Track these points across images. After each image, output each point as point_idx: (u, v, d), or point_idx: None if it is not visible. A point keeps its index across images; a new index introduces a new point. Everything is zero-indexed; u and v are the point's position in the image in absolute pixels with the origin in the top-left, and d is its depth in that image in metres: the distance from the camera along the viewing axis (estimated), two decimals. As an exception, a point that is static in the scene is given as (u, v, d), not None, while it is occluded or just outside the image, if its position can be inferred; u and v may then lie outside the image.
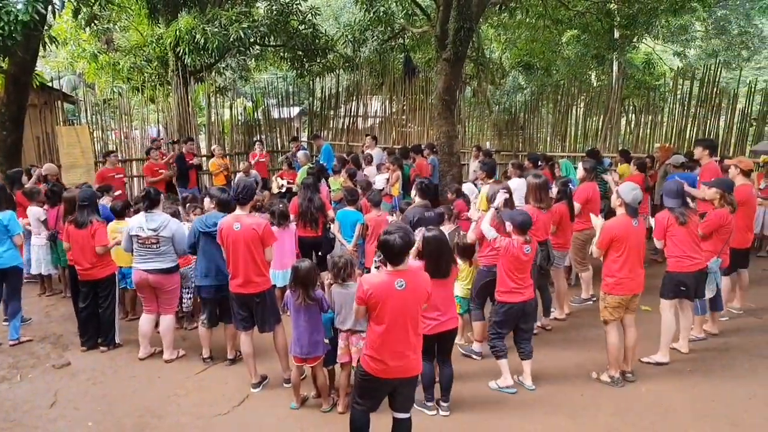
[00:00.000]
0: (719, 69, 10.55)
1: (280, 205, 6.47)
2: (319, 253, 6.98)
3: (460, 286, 5.63)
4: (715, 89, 10.20)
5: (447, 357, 4.62)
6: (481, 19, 14.82)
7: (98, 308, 5.90)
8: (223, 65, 15.27)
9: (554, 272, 6.39)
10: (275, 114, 15.86)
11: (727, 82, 15.98)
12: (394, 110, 14.42)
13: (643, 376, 5.16)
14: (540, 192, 5.79)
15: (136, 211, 6.70)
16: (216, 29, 11.18)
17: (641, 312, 6.33)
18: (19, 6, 6.18)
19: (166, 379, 5.34)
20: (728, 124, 10.02)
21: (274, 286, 5.62)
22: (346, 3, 20.64)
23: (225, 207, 5.32)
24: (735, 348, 5.76)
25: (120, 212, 6.45)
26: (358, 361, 3.96)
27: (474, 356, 5.60)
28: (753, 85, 10.24)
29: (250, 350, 5.05)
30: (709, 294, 5.62)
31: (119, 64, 14.40)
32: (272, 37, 13.33)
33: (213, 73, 15.19)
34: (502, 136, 12.79)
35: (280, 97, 15.82)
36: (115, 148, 12.39)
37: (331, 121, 15.22)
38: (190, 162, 10.61)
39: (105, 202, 7.06)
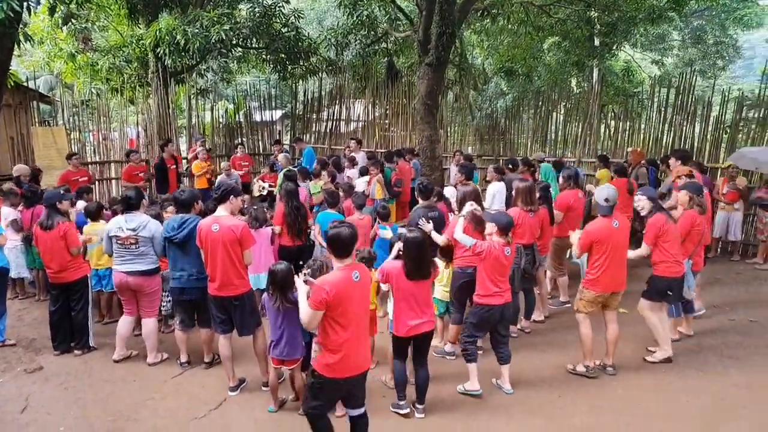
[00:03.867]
0: (695, 77, 10.74)
1: (254, 208, 6.44)
2: (300, 262, 6.94)
3: (440, 288, 5.66)
4: (691, 97, 10.38)
5: (423, 359, 4.61)
6: (463, 25, 14.95)
7: (71, 311, 5.79)
8: (204, 67, 15.16)
9: (537, 275, 6.44)
10: (257, 117, 15.77)
11: (703, 90, 16.32)
12: (377, 114, 14.43)
13: (619, 377, 5.23)
14: (528, 195, 5.88)
15: (114, 213, 6.61)
16: (197, 30, 11.09)
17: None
18: (-6, 3, 6.05)
19: (142, 382, 5.26)
20: (703, 132, 10.20)
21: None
22: (329, 7, 20.62)
23: (184, 207, 5.27)
24: (708, 349, 5.87)
25: (94, 214, 6.34)
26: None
27: (447, 357, 5.63)
28: (727, 94, 10.46)
29: (229, 353, 5.01)
30: (688, 296, 5.72)
31: (98, 64, 14.22)
32: (255, 40, 13.26)
33: (194, 75, 15.07)
34: (483, 141, 12.87)
35: (262, 99, 15.74)
36: (93, 150, 12.23)
37: (314, 125, 15.18)
38: (171, 166, 10.45)
39: (80, 207, 6.95)
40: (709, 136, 10.17)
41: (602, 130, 12.08)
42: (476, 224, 5.18)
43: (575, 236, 5.33)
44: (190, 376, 5.39)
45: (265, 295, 4.66)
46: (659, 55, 21.52)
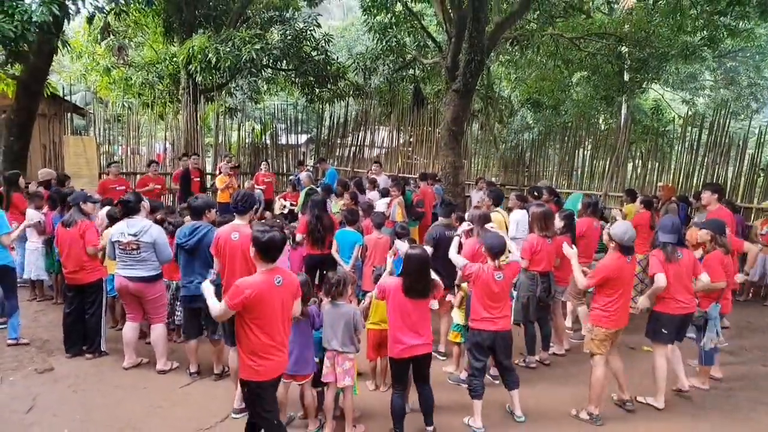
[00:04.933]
0: (729, 117, 10.55)
1: (275, 221, 6.43)
2: (324, 271, 6.88)
3: (458, 312, 5.51)
4: (724, 137, 10.17)
5: (425, 378, 4.42)
6: (492, 55, 15.02)
7: (84, 314, 5.76)
8: (234, 85, 15.42)
9: (553, 306, 6.24)
10: (283, 140, 15.94)
11: (735, 131, 16.05)
12: (401, 141, 14.47)
13: (642, 417, 4.97)
14: (543, 221, 5.73)
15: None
16: (229, 49, 11.33)
17: (642, 353, 6.22)
18: (34, 6, 6.20)
19: (151, 390, 5.18)
20: (737, 173, 9.96)
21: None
22: (359, 35, 20.99)
23: (195, 214, 5.25)
24: (739, 394, 5.56)
25: (117, 219, 6.34)
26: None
27: (462, 385, 5.41)
28: (763, 133, 10.25)
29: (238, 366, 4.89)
30: (710, 344, 5.38)
31: (131, 79, 14.57)
32: (285, 62, 13.50)
33: (223, 93, 15.34)
34: (507, 171, 12.77)
35: (289, 122, 15.94)
36: (121, 162, 12.43)
37: (338, 149, 15.27)
38: (195, 178, 10.56)
39: (103, 214, 6.97)
40: (743, 177, 9.93)
41: (629, 167, 11.90)
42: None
43: (571, 251, 5.09)
44: (199, 386, 5.29)
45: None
46: (690, 95, 21.32)
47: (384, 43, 13.08)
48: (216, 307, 3.61)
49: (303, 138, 18.21)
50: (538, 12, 13.31)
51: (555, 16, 13.94)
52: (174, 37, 13.52)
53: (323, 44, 13.62)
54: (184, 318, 5.54)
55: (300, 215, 8.81)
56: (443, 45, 12.88)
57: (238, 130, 15.20)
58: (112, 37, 13.56)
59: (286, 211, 10.42)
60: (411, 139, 14.24)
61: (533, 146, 12.94)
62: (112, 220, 6.31)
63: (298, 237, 6.79)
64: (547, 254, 5.74)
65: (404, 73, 14.89)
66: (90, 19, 8.64)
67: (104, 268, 5.97)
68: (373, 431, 4.56)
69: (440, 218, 6.18)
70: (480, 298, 4.61)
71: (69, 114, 12.06)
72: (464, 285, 5.34)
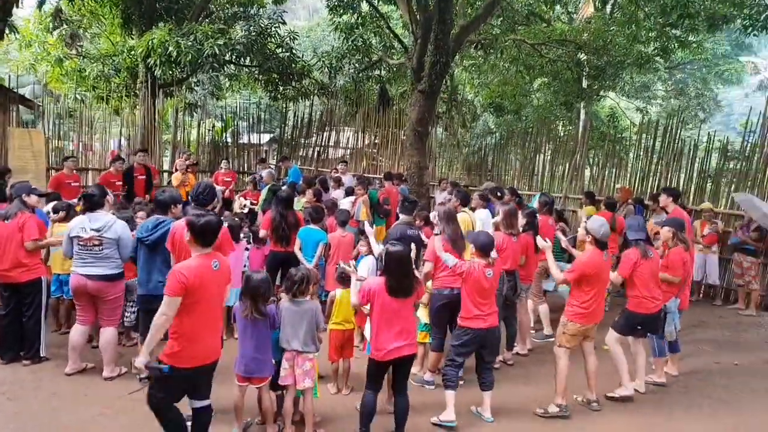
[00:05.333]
0: (680, 125, 10.88)
1: (231, 220, 6.21)
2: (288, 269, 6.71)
3: (424, 312, 5.44)
4: (675, 143, 10.48)
5: (403, 386, 4.31)
6: (456, 60, 15.11)
7: (22, 317, 5.36)
8: (195, 81, 15.00)
9: (518, 305, 6.24)
10: (245, 139, 15.61)
11: (683, 139, 16.59)
12: (366, 141, 14.37)
13: (604, 415, 5.01)
14: (509, 218, 5.73)
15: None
16: (190, 43, 11.00)
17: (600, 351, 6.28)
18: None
19: (94, 397, 4.85)
20: (687, 177, 10.26)
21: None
22: (324, 35, 20.84)
23: (161, 208, 5.03)
24: (695, 390, 5.69)
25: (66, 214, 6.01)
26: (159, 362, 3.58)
27: (426, 386, 5.35)
28: (711, 141, 10.63)
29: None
30: (670, 337, 5.61)
31: (85, 70, 13.95)
32: (248, 58, 13.22)
33: (184, 89, 14.90)
34: (471, 173, 12.84)
35: (251, 120, 15.61)
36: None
37: (302, 149, 15.02)
38: (140, 176, 9.93)
39: (48, 207, 6.61)
40: (693, 182, 10.24)
41: (587, 173, 12.13)
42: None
43: (542, 242, 5.14)
44: (151, 389, 5.02)
45: (237, 303, 4.39)
46: (644, 103, 22.01)
47: (350, 43, 12.99)
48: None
49: (266, 137, 17.90)
50: (501, 18, 13.47)
51: (518, 23, 14.14)
52: (132, 29, 13.04)
53: (288, 41, 13.40)
54: (141, 320, 5.21)
55: (261, 213, 8.60)
56: (409, 46, 12.88)
57: (198, 127, 14.81)
58: (65, 26, 12.98)
59: (246, 210, 10.15)
60: (376, 140, 14.17)
61: (495, 150, 13.06)
62: (60, 214, 6.01)
63: (262, 233, 6.60)
64: (512, 252, 5.75)
65: (370, 73, 14.82)
66: (40, 4, 8.23)
67: (44, 267, 5.58)
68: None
69: (402, 216, 6.10)
70: (471, 295, 4.59)
71: (15, 106, 11.46)
72: (428, 284, 5.29)
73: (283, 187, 8.38)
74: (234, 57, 12.71)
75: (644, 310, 5.18)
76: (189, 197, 9.85)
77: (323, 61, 13.96)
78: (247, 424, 4.45)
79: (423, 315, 5.49)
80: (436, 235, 5.37)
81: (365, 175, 11.00)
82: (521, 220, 6.14)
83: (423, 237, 6.12)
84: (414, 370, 5.60)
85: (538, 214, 6.74)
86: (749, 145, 9.64)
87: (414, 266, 4.39)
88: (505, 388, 5.35)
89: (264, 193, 9.24)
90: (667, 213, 7.24)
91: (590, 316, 4.86)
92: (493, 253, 4.78)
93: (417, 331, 4.34)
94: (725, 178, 10.08)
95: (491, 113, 18.41)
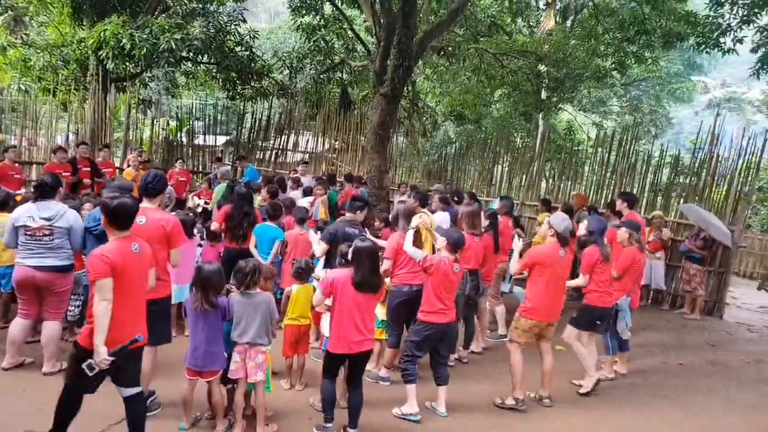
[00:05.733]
0: (634, 140, 11.22)
1: (184, 214, 6.01)
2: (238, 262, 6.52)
3: (381, 309, 5.36)
4: (629, 157, 10.81)
5: (358, 380, 4.25)
6: (418, 67, 15.19)
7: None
8: (149, 75, 14.54)
9: (478, 304, 6.26)
10: (200, 140, 15.23)
11: (637, 152, 17.15)
12: (326, 145, 14.23)
13: (555, 411, 5.07)
14: (472, 218, 5.77)
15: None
16: (145, 36, 10.68)
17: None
18: None
19: (33, 392, 4.57)
20: (640, 189, 10.57)
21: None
22: (285, 38, 20.64)
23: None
24: (642, 388, 5.85)
25: (1, 204, 5.68)
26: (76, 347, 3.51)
27: (381, 383, 5.28)
28: (663, 156, 11.02)
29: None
30: (622, 334, 5.74)
31: (31, 60, 13.29)
32: (206, 55, 12.93)
33: (137, 84, 14.41)
34: (431, 178, 12.89)
35: (207, 120, 15.24)
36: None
37: (259, 152, 14.71)
38: (84, 168, 9.51)
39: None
40: (645, 194, 10.57)
41: (543, 185, 12.34)
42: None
43: (519, 244, 5.23)
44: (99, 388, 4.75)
45: (188, 295, 4.22)
46: (600, 118, 22.69)
47: (311, 43, 12.86)
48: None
49: (222, 139, 17.51)
50: (464, 28, 13.64)
51: (480, 33, 14.35)
52: (83, 19, 12.57)
53: (248, 40, 13.17)
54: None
55: (216, 209, 8.35)
56: (372, 49, 12.87)
57: (152, 125, 14.37)
58: (9, 12, 12.40)
59: (199, 210, 9.87)
60: (336, 144, 14.06)
61: (455, 159, 13.20)
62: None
63: (214, 226, 6.37)
64: (475, 252, 5.77)
65: (331, 75, 14.70)
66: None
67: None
68: (286, 429, 4.28)
69: (347, 213, 6.02)
70: (437, 289, 4.58)
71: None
72: (387, 280, 5.23)
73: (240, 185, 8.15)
74: (191, 53, 12.38)
75: (602, 304, 5.33)
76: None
77: (284, 60, 13.75)
78: (195, 419, 4.27)
79: (380, 312, 5.42)
80: (396, 231, 5.33)
81: (332, 174, 10.80)
82: (484, 221, 6.18)
83: (368, 237, 6.02)
84: (369, 366, 5.54)
85: (499, 216, 6.79)
86: (698, 160, 10.03)
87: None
88: (460, 384, 5.36)
89: (217, 191, 8.99)
90: (620, 217, 7.44)
91: (543, 313, 4.90)
92: (442, 251, 4.77)
93: (375, 328, 4.24)
94: (675, 192, 10.43)
95: (452, 121, 18.58)
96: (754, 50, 9.93)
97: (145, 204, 4.42)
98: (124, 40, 10.60)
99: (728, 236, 8.82)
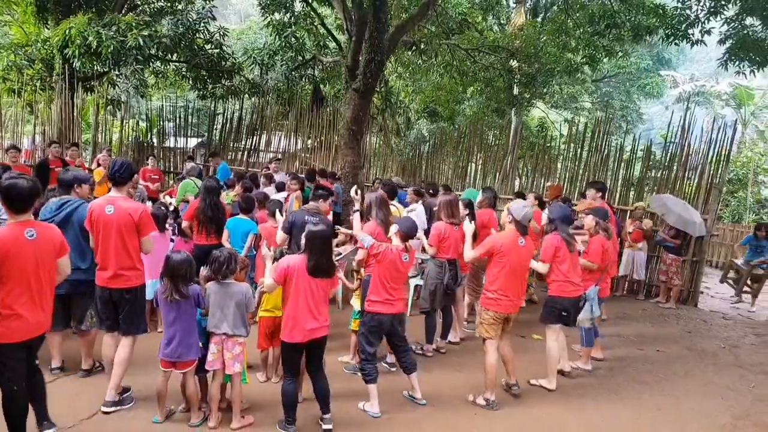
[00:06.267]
0: (606, 135, 11.34)
1: (156, 209, 5.88)
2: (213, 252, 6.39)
3: (357, 300, 5.34)
4: (601, 150, 10.94)
5: (319, 366, 4.16)
6: (392, 64, 15.17)
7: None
8: (117, 73, 14.20)
9: (456, 294, 6.23)
10: (171, 142, 14.98)
11: (609, 147, 17.41)
12: (299, 144, 14.11)
13: (534, 399, 5.06)
14: (450, 207, 5.73)
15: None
16: (112, 34, 10.44)
17: (531, 339, 6.39)
18: None
19: (0, 391, 4.44)
20: (613, 183, 10.68)
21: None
22: (256, 38, 20.41)
23: (63, 187, 4.74)
24: (620, 374, 5.88)
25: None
26: None
27: (359, 374, 5.21)
28: (634, 151, 11.17)
29: (111, 354, 4.31)
30: (588, 324, 5.65)
31: (-6, 59, 12.92)
32: (175, 54, 12.70)
33: (105, 83, 14.09)
34: (405, 174, 12.88)
35: (178, 121, 14.98)
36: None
37: (231, 153, 14.51)
38: (56, 168, 9.24)
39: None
40: (618, 187, 10.70)
41: (516, 183, 12.40)
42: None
43: (467, 225, 5.14)
44: (63, 383, 4.62)
45: (158, 286, 4.11)
46: (572, 114, 22.98)
47: (282, 40, 12.71)
48: None
49: (194, 141, 17.24)
50: (435, 25, 13.66)
51: (452, 30, 14.38)
52: (48, 18, 12.25)
53: (218, 37, 12.97)
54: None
55: (183, 204, 8.20)
56: (344, 45, 12.80)
57: (121, 125, 14.08)
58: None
59: (171, 208, 9.70)
60: (309, 143, 13.95)
61: (428, 156, 13.22)
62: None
63: (185, 224, 6.27)
64: (454, 241, 5.73)
65: (303, 72, 14.55)
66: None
67: None
68: (262, 422, 4.20)
69: (310, 202, 5.95)
70: (383, 279, 4.47)
71: None
72: (362, 270, 5.19)
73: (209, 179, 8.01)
74: (160, 51, 12.13)
75: (565, 294, 5.22)
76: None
77: (254, 57, 13.55)
78: (170, 412, 4.18)
79: (356, 303, 5.38)
80: (370, 221, 5.28)
81: (312, 169, 10.69)
82: (462, 211, 6.15)
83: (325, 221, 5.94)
84: (345, 358, 5.50)
85: (483, 207, 6.79)
86: (669, 153, 10.20)
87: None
88: (438, 373, 5.36)
89: (182, 186, 8.84)
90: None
91: (506, 305, 4.77)
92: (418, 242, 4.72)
93: (328, 314, 4.12)
94: (647, 185, 10.58)
95: (426, 119, 18.62)
96: (721, 41, 10.11)
97: (113, 193, 4.33)
98: (91, 38, 10.34)
99: (694, 225, 8.91)
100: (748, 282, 10.25)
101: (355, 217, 5.06)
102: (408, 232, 4.56)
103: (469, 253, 4.95)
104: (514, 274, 4.76)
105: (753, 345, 7.35)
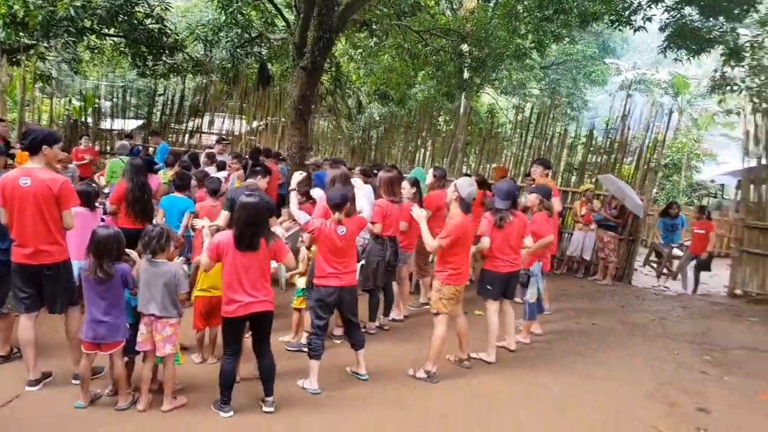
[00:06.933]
0: (551, 120, 11.54)
1: (86, 183, 5.56)
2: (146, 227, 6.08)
3: (302, 279, 5.26)
4: (545, 136, 11.14)
5: (265, 344, 4.03)
6: (343, 43, 14.89)
7: None
8: (47, 45, 13.38)
9: (398, 272, 6.20)
10: (108, 124, 14.29)
11: (554, 132, 17.75)
12: (244, 130, 13.71)
13: (473, 372, 5.12)
14: (390, 185, 5.67)
15: None
16: (40, 2, 9.82)
17: (473, 315, 6.43)
18: None
19: None
20: (557, 166, 10.89)
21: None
22: (202, 16, 19.69)
23: None
24: (556, 347, 6.04)
25: None
26: None
27: (304, 350, 5.12)
28: (577, 137, 11.42)
29: (31, 337, 4.06)
30: (531, 298, 5.78)
31: None
32: (112, 27, 12.06)
33: (33, 57, 13.25)
34: (354, 154, 12.75)
35: (117, 99, 14.29)
36: None
37: (173, 135, 13.96)
38: None
39: None
40: (561, 171, 10.93)
41: (464, 168, 12.46)
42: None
43: (417, 211, 5.11)
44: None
45: (83, 262, 3.88)
46: (520, 100, 23.34)
47: (228, 15, 12.24)
48: None
49: (133, 123, 16.53)
50: (387, 6, 13.49)
51: (403, 12, 14.24)
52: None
53: (159, 12, 12.36)
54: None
55: (109, 186, 7.81)
56: (292, 23, 12.47)
57: (51, 102, 13.32)
58: None
59: (107, 190, 9.29)
60: (255, 124, 13.60)
61: (378, 139, 13.12)
62: None
63: (111, 207, 5.90)
64: (395, 218, 5.70)
65: (249, 50, 14.10)
66: None
67: None
68: (197, 403, 4.05)
69: (248, 180, 5.79)
70: (324, 254, 4.40)
71: None
72: (312, 249, 5.09)
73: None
74: (95, 23, 11.48)
75: (493, 269, 5.29)
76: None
77: (198, 33, 13.03)
78: (95, 396, 3.97)
79: (300, 281, 5.27)
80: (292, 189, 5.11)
81: (256, 148, 10.36)
82: (409, 190, 6.10)
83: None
84: (287, 338, 5.40)
85: (434, 188, 6.74)
86: (610, 138, 10.47)
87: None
88: (380, 348, 5.36)
89: (111, 165, 8.46)
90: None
91: (461, 276, 4.90)
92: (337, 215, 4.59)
93: (270, 289, 3.99)
94: (588, 170, 10.83)
95: (377, 101, 18.44)
96: (661, 29, 10.39)
97: (29, 164, 4.04)
98: (17, 7, 9.73)
99: (640, 207, 9.25)
100: (667, 265, 10.74)
101: (292, 196, 4.90)
102: (333, 205, 4.41)
103: (432, 242, 4.83)
104: (465, 248, 4.88)
105: (679, 317, 7.70)
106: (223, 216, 5.33)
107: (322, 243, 4.39)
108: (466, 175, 10.04)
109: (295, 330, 5.34)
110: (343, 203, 4.41)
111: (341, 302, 4.49)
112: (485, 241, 5.18)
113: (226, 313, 3.85)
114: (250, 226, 3.81)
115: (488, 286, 5.34)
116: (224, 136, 12.13)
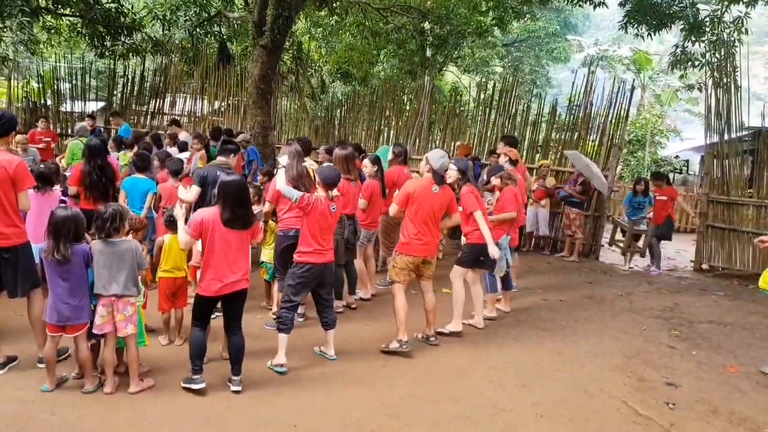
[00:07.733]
0: (514, 97, 11.62)
1: (41, 166, 5.42)
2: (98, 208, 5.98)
3: (267, 250, 5.38)
4: (509, 112, 11.23)
5: (237, 323, 4.08)
6: (303, 22, 14.66)
7: None
8: (1, 26, 12.85)
9: (359, 251, 6.25)
10: (70, 106, 13.87)
11: (517, 110, 17.91)
12: (206, 111, 13.48)
13: (441, 348, 5.20)
14: (345, 162, 5.66)
15: None
16: (-11, -21, 9.40)
17: (441, 294, 6.53)
18: None
19: None
20: (521, 142, 11.01)
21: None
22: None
23: None
24: (524, 323, 6.13)
25: None
26: None
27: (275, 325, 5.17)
28: (540, 114, 11.50)
29: (-10, 324, 4.02)
30: (499, 273, 5.87)
31: None
32: (68, 7, 11.62)
33: (-16, 38, 12.74)
34: (318, 134, 12.67)
35: (76, 81, 13.84)
36: None
37: (134, 117, 13.64)
38: None
39: None
40: (526, 145, 11.05)
41: (430, 147, 12.49)
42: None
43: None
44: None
45: (42, 244, 3.81)
46: (483, 78, 23.44)
47: (185, -8, 11.93)
48: None
49: (94, 105, 16.07)
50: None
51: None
52: None
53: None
54: None
55: (69, 168, 7.64)
56: (251, 1, 12.24)
57: (9, 83, 12.85)
58: None
59: (68, 173, 9.08)
60: (217, 104, 13.38)
61: (342, 117, 13.05)
62: None
63: (72, 190, 5.79)
64: (352, 196, 5.72)
65: (209, 29, 13.80)
66: None
67: None
68: (165, 384, 4.05)
69: (219, 157, 5.76)
70: (313, 229, 4.43)
71: None
72: (271, 222, 5.12)
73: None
74: (50, 3, 11.06)
75: (483, 241, 5.33)
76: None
77: (156, 12, 12.67)
78: (61, 379, 3.94)
79: (264, 254, 5.34)
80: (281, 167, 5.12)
81: (217, 128, 10.18)
82: (370, 168, 6.15)
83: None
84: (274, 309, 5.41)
85: (393, 164, 6.78)
86: (573, 115, 10.59)
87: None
88: (347, 327, 5.38)
89: (71, 147, 8.27)
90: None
91: (419, 248, 4.93)
92: (334, 192, 4.66)
93: (248, 266, 4.06)
94: (552, 145, 10.97)
95: (339, 80, 18.30)
96: (621, 4, 10.51)
97: (-16, 148, 3.93)
98: (-38, -15, 9.27)
99: (605, 185, 9.37)
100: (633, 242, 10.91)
101: (279, 173, 4.89)
102: (326, 182, 4.47)
103: (392, 208, 5.07)
104: (427, 219, 4.92)
105: (646, 292, 7.88)
106: (194, 191, 5.31)
107: (314, 219, 4.41)
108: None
109: (267, 302, 5.38)
110: (335, 183, 4.49)
111: (322, 279, 4.54)
112: (479, 215, 5.24)
113: (208, 292, 3.88)
114: (242, 205, 3.88)
115: (481, 258, 5.43)
116: (176, 119, 11.87)
